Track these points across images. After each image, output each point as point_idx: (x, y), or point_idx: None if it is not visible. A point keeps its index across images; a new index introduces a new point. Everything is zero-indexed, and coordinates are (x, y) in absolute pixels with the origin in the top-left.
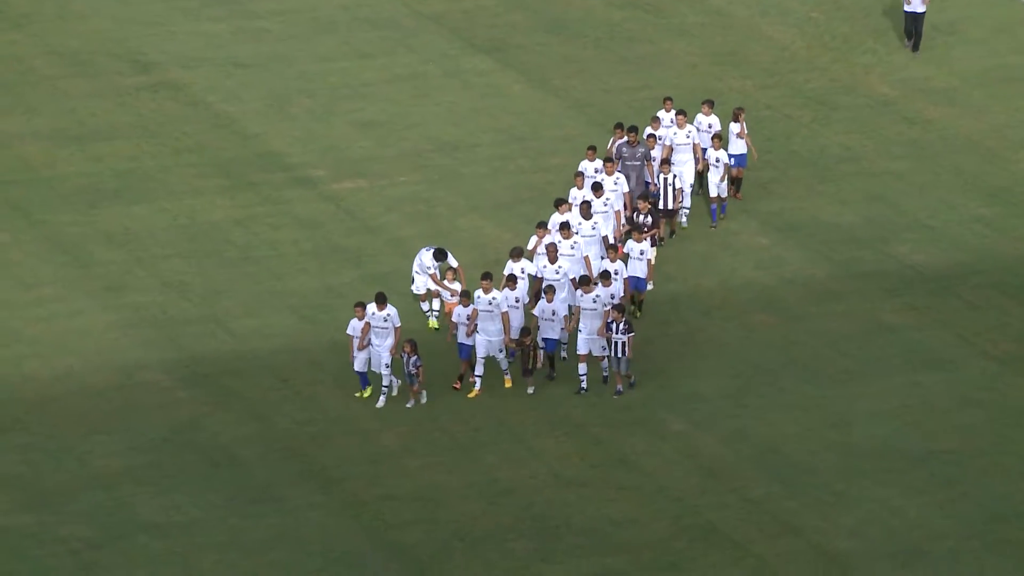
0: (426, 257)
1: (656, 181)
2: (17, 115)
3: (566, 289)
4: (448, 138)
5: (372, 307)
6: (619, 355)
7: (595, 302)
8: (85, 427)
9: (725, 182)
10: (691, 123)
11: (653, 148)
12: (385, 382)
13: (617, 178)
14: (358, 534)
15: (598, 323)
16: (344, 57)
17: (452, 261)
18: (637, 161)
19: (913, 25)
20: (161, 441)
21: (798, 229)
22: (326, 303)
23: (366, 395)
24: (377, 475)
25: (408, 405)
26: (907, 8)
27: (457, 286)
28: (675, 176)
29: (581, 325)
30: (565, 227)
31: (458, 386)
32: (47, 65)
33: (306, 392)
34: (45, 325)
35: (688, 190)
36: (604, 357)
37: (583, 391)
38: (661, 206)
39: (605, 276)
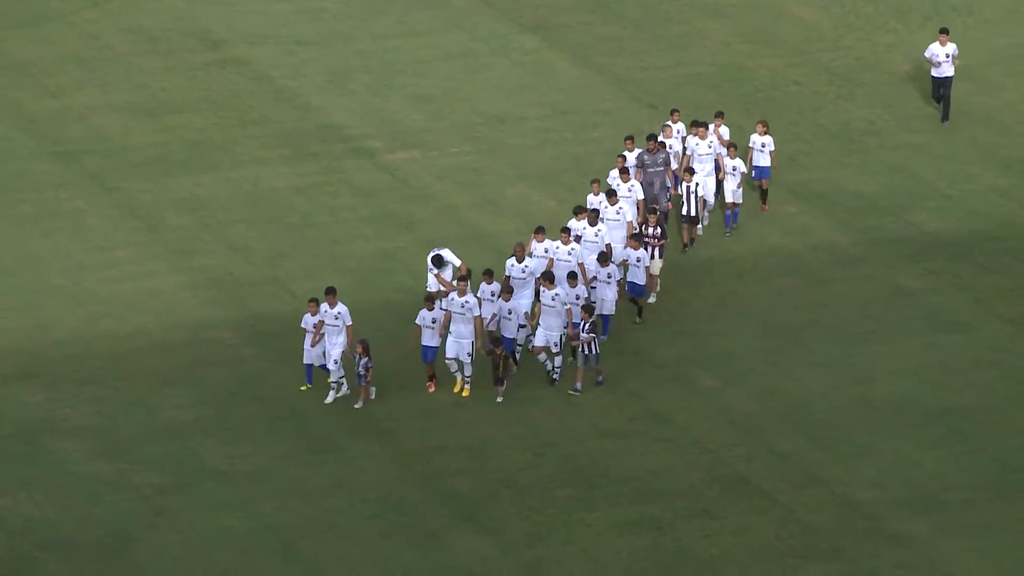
0: (428, 261)
1: (679, 188)
2: (94, 89)
3: (531, 288)
4: (496, 112)
5: (325, 304)
6: (586, 352)
7: (554, 300)
8: (156, 381)
9: (740, 189)
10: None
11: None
12: (333, 378)
13: (632, 185)
14: (411, 482)
15: (556, 320)
16: (399, 35)
17: (454, 259)
18: (659, 167)
19: (941, 90)
20: (227, 395)
21: (824, 198)
22: (381, 266)
23: (305, 388)
24: (429, 428)
25: (356, 406)
26: (935, 73)
27: (483, 287)
28: (697, 184)
29: (540, 320)
30: (565, 231)
31: (432, 388)
32: (122, 42)
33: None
34: (119, 286)
35: (712, 200)
36: (558, 354)
37: (555, 381)
38: (684, 212)
39: (572, 277)
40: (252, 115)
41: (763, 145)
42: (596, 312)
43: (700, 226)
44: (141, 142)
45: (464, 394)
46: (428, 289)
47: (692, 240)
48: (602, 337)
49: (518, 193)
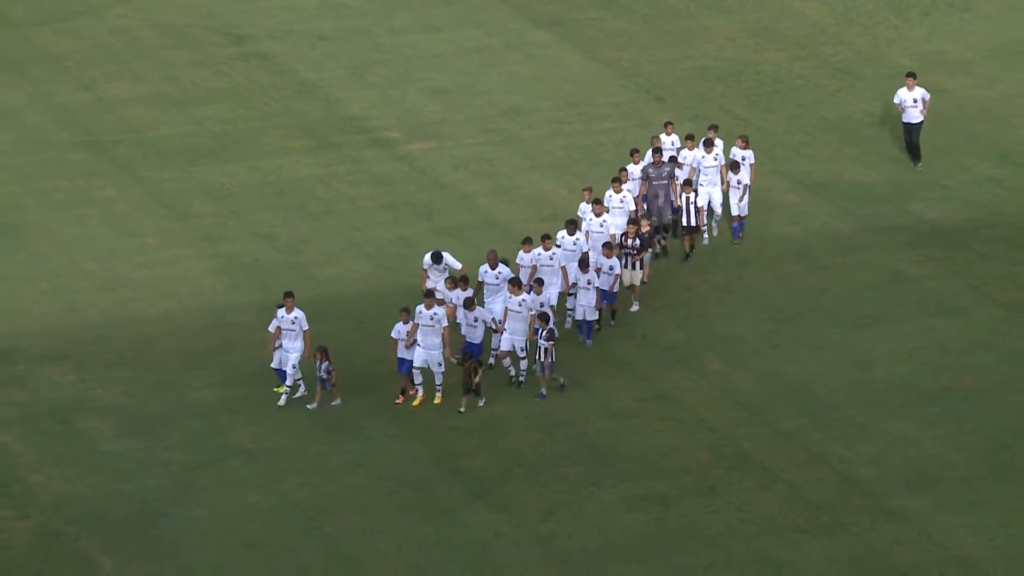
0: (425, 258)
1: (679, 200)
2: (124, 81)
3: (504, 293)
4: (510, 104)
5: (282, 309)
6: (542, 359)
7: (520, 306)
8: (183, 362)
9: (744, 201)
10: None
11: (681, 168)
12: (288, 382)
13: (624, 197)
14: (427, 460)
15: (521, 325)
16: (417, 31)
17: (454, 263)
18: (663, 180)
19: (911, 136)
20: (251, 375)
21: (825, 187)
22: (400, 252)
23: (283, 389)
24: (443, 408)
25: (309, 406)
26: (904, 119)
27: (458, 293)
28: (696, 195)
29: (506, 325)
30: (547, 237)
31: (401, 400)
32: (151, 37)
33: (381, 332)
34: (148, 271)
35: (719, 211)
36: (524, 359)
37: (521, 384)
38: (684, 223)
39: (538, 283)
40: (276, 107)
41: (743, 159)
42: (578, 318)
43: (706, 237)
44: (169, 133)
45: (436, 401)
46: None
47: (692, 248)
48: (588, 343)
49: (531, 182)
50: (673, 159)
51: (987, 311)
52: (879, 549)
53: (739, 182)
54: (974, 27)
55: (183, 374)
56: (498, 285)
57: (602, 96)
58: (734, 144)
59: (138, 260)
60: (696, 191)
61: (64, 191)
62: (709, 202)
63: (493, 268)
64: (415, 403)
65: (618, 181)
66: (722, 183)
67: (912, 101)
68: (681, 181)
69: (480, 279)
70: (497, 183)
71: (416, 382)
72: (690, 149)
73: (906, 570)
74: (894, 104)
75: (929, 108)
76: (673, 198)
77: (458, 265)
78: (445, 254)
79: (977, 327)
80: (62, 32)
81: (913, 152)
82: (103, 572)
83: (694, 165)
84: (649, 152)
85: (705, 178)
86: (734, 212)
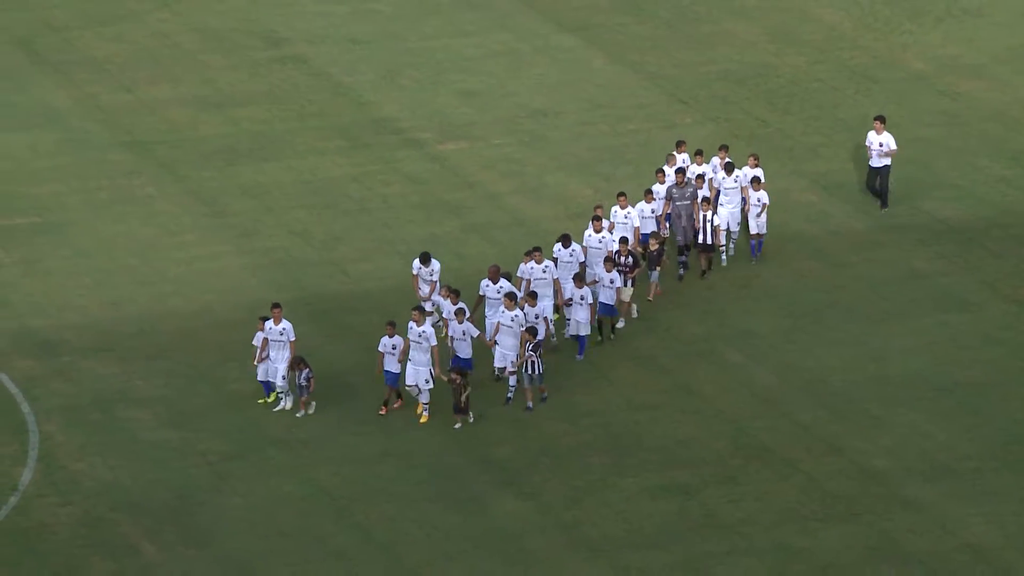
0: (415, 262)
1: (697, 218)
2: (164, 84)
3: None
4: (538, 106)
5: (270, 321)
6: (530, 372)
7: (513, 320)
8: (220, 355)
9: (763, 218)
10: (706, 163)
11: (701, 188)
12: (280, 391)
13: (628, 213)
14: (456, 450)
15: (512, 341)
16: (447, 35)
17: (435, 265)
18: (687, 200)
19: (877, 180)
20: (286, 369)
21: (842, 187)
22: (431, 249)
23: (269, 400)
24: (472, 399)
25: (298, 415)
26: (870, 163)
27: (447, 305)
28: (715, 214)
29: (498, 340)
30: (538, 250)
31: (384, 411)
32: (190, 41)
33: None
34: (186, 267)
35: (736, 229)
36: (513, 373)
37: (509, 400)
38: (700, 241)
39: (531, 296)
40: (311, 108)
41: (881, 144)
42: (571, 333)
43: (724, 257)
44: (208, 133)
45: (423, 420)
46: (421, 294)
47: (710, 265)
48: (578, 357)
49: (557, 181)
50: (700, 177)
51: (999, 307)
52: (894, 537)
53: (759, 200)
54: (987, 32)
55: (220, 366)
56: (499, 300)
57: (627, 98)
58: (745, 163)
59: (177, 256)
60: (715, 210)
61: (106, 190)
62: (728, 224)
63: (495, 282)
64: (422, 419)
65: (624, 196)
66: (744, 203)
67: (878, 145)
68: (700, 200)
69: (481, 292)
70: (525, 182)
71: (413, 395)
72: (699, 164)
73: (920, 558)
74: (865, 146)
75: (894, 152)
76: (695, 218)
77: (437, 268)
78: (435, 260)
79: (989, 322)
80: (104, 36)
81: (879, 196)
82: (143, 557)
83: (715, 186)
84: (669, 170)
85: (725, 198)
86: (753, 230)
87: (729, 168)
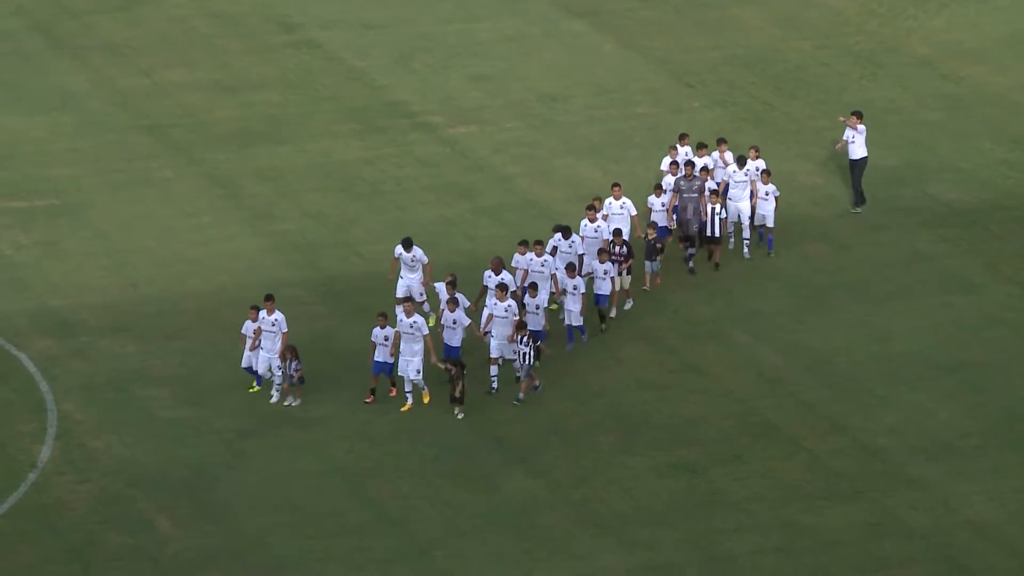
0: (397, 248)
1: (704, 210)
2: (181, 68)
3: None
4: (548, 90)
5: (263, 312)
6: (524, 363)
7: (507, 311)
8: (236, 335)
9: (772, 210)
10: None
11: (708, 180)
12: (276, 381)
13: (623, 203)
14: (467, 429)
15: (508, 331)
16: (459, 20)
17: (423, 256)
18: (694, 193)
19: (851, 173)
20: (301, 348)
21: (847, 170)
22: (442, 231)
23: (256, 389)
24: (483, 379)
25: (286, 404)
26: (850, 156)
27: (445, 293)
28: (722, 207)
29: (492, 331)
30: (539, 243)
31: (371, 399)
32: (206, 25)
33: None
34: (203, 248)
35: (746, 222)
36: (514, 360)
37: (494, 390)
38: (708, 233)
39: (532, 288)
40: (324, 92)
41: (757, 169)
42: (565, 323)
43: (746, 249)
44: (223, 117)
45: (424, 400)
46: (401, 295)
47: (714, 258)
48: (569, 347)
49: (567, 165)
50: (706, 170)
51: (1001, 288)
52: (897, 514)
53: (767, 193)
54: (990, 18)
55: (236, 346)
56: None
57: (635, 83)
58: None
59: (194, 238)
60: (723, 203)
61: (124, 172)
62: (739, 217)
63: (497, 274)
64: (424, 400)
65: (619, 187)
66: (752, 196)
67: (852, 139)
68: (708, 192)
69: (484, 284)
70: (535, 166)
71: (407, 390)
72: (700, 157)
73: (922, 534)
74: (843, 140)
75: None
76: (702, 211)
77: (426, 259)
78: (416, 247)
79: (992, 303)
80: (122, 21)
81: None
82: (159, 533)
83: (725, 179)
84: (667, 161)
85: (735, 192)
86: (768, 223)
87: (741, 162)
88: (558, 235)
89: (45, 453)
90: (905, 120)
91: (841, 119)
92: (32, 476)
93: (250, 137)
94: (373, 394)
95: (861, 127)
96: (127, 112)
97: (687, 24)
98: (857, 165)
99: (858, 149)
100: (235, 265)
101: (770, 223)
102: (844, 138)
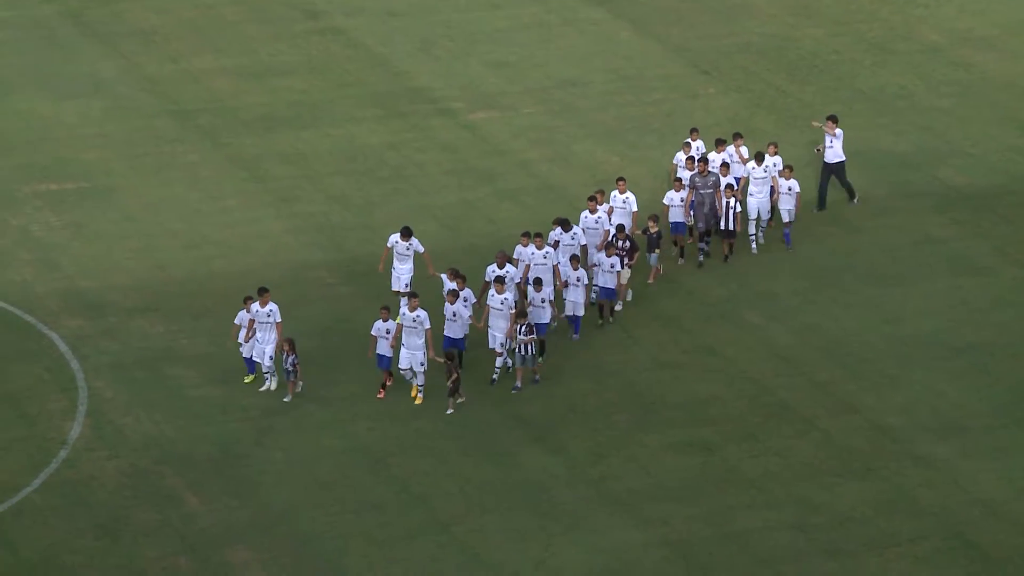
0: (392, 236)
1: (720, 206)
2: (207, 55)
3: (510, 292)
4: (566, 76)
5: (256, 303)
6: (523, 353)
7: (503, 304)
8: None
9: (795, 208)
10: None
11: (726, 176)
12: (266, 371)
13: (627, 198)
14: (488, 407)
15: (503, 323)
16: (480, 7)
17: (419, 246)
18: (709, 189)
19: (826, 179)
20: (325, 328)
21: (860, 155)
22: (463, 214)
23: (250, 380)
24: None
25: (285, 399)
26: (825, 159)
27: (450, 284)
28: (737, 200)
29: (491, 323)
30: (539, 235)
31: (382, 395)
32: (233, 13)
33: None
34: (229, 230)
35: (765, 218)
36: (501, 355)
37: (495, 381)
38: (722, 227)
39: (537, 282)
40: (348, 78)
41: (774, 165)
42: (567, 313)
43: (755, 245)
44: (249, 102)
45: (417, 401)
46: (396, 289)
47: (731, 250)
48: (574, 337)
49: (585, 149)
50: (725, 166)
51: (1010, 271)
52: (907, 492)
53: (789, 189)
54: (999, 5)
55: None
56: (506, 284)
57: (652, 69)
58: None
59: (220, 220)
60: (737, 197)
61: (152, 156)
62: (758, 212)
63: (501, 268)
64: (417, 400)
65: (623, 181)
66: (772, 193)
67: (829, 143)
68: (724, 187)
69: (488, 278)
70: (554, 150)
71: (407, 379)
72: (718, 153)
73: (932, 511)
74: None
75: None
76: (717, 206)
77: (422, 248)
78: (414, 237)
79: (1000, 286)
80: (150, 8)
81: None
82: (187, 508)
83: (744, 175)
84: (682, 157)
85: (754, 188)
86: (786, 219)
87: (759, 158)
88: (559, 228)
89: (76, 430)
90: (916, 106)
91: (816, 124)
92: (63, 452)
93: (275, 122)
94: (384, 389)
95: (838, 131)
96: (155, 97)
97: (703, 12)
98: (834, 168)
99: (834, 154)
100: (260, 247)
101: (789, 218)
102: (826, 144)
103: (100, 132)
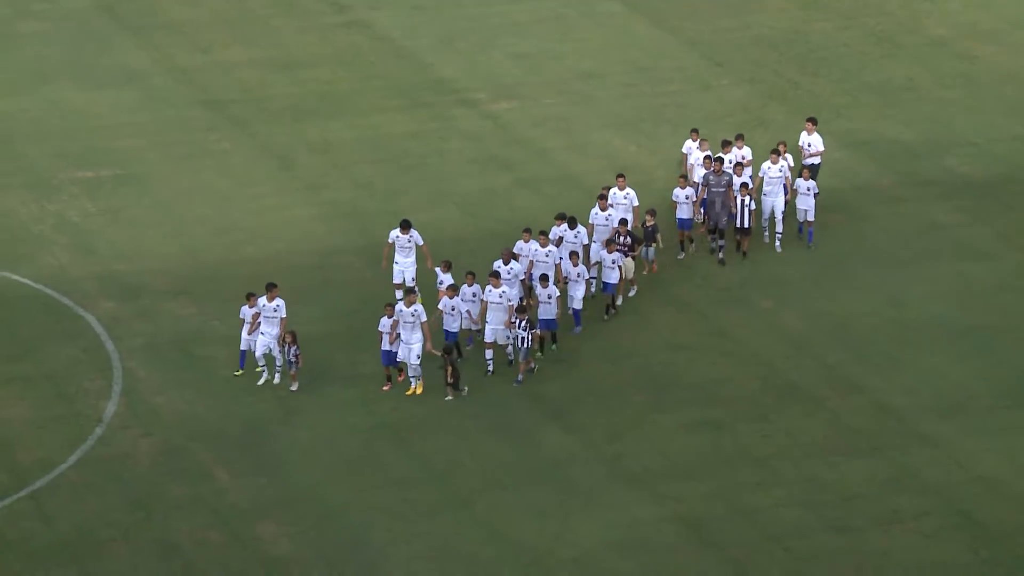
0: (393, 231)
1: (734, 205)
2: (238, 47)
3: (517, 288)
4: (584, 68)
5: (263, 298)
6: (521, 346)
7: (500, 297)
8: (291, 299)
9: (814, 207)
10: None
11: (740, 175)
12: (278, 364)
13: (628, 193)
14: (507, 388)
15: (502, 316)
16: (501, 2)
17: (418, 239)
18: (722, 188)
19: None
20: (352, 311)
21: (868, 145)
22: (484, 201)
23: (240, 373)
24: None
25: (292, 388)
26: (805, 162)
27: (449, 277)
28: (751, 199)
29: (488, 317)
30: (543, 233)
31: (387, 388)
32: (262, 6)
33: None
34: (258, 217)
35: (780, 216)
36: (508, 345)
37: (489, 373)
38: (738, 224)
39: (543, 279)
40: (374, 70)
41: (808, 144)
42: (569, 307)
43: (778, 244)
44: (278, 92)
45: (418, 391)
46: (398, 282)
47: (745, 249)
48: (576, 330)
49: (602, 139)
50: (740, 165)
51: (1013, 257)
52: (911, 470)
53: (808, 189)
54: (1003, 0)
55: (290, 309)
56: (509, 280)
57: (667, 61)
58: (800, 133)
59: (250, 207)
60: (751, 195)
61: (184, 145)
62: (772, 210)
63: (506, 264)
64: (417, 391)
65: (623, 177)
66: (786, 192)
67: (807, 145)
68: (738, 186)
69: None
70: (572, 140)
71: (411, 375)
72: (726, 153)
73: (936, 489)
74: (800, 148)
75: (820, 152)
76: (730, 205)
77: (421, 241)
78: (413, 229)
79: (1004, 271)
80: (182, 1)
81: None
82: (217, 483)
83: (760, 175)
84: (697, 155)
85: (769, 187)
86: (809, 218)
87: (775, 158)
88: (563, 225)
89: (111, 408)
90: (922, 97)
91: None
92: (99, 430)
93: (303, 112)
94: (390, 381)
95: (816, 135)
96: (187, 88)
97: (716, 5)
98: (814, 170)
99: (812, 155)
100: (289, 233)
101: (811, 217)
102: (800, 144)
103: (133, 121)
